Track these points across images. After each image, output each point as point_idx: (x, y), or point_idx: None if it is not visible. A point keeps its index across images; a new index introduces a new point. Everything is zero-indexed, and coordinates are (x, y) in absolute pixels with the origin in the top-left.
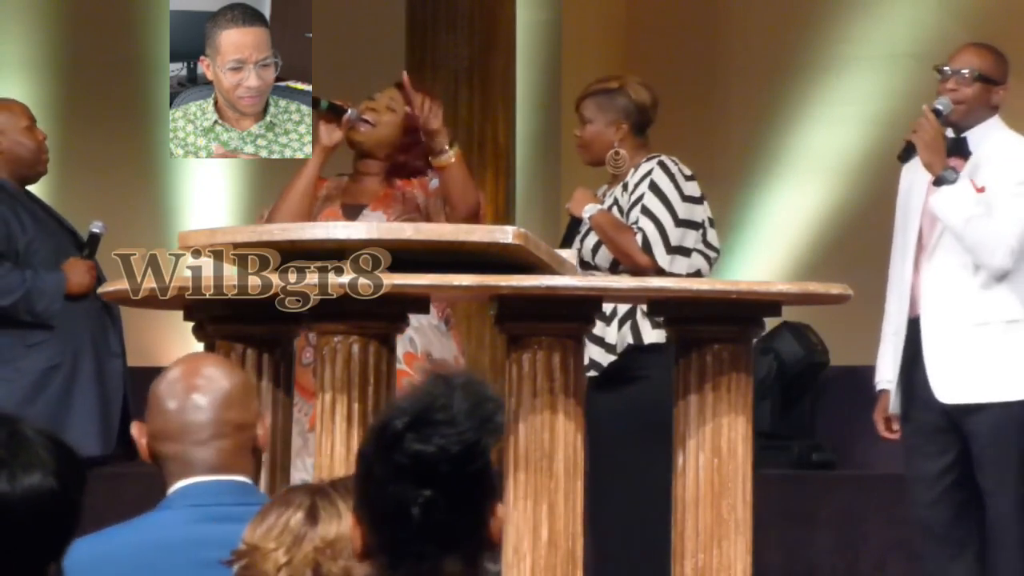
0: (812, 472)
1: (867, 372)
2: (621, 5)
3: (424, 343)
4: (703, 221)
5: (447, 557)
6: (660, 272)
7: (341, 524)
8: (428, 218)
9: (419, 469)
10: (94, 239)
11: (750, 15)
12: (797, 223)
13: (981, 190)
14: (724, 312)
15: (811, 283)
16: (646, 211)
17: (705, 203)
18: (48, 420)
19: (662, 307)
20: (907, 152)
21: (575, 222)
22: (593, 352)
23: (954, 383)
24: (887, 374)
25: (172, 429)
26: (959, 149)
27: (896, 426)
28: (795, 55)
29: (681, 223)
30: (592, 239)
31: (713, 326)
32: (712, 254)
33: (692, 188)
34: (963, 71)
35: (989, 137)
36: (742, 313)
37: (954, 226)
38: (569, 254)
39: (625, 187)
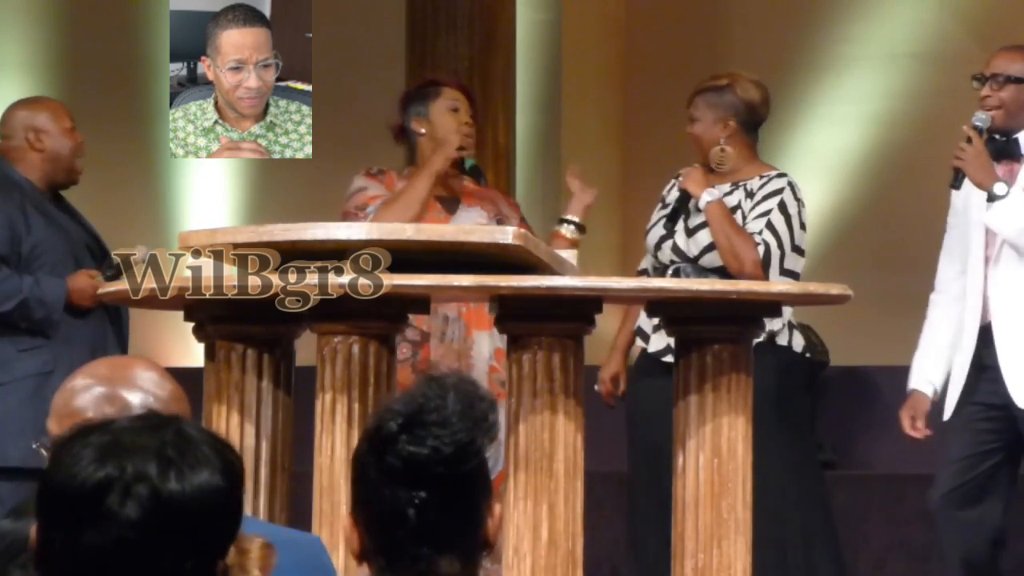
0: None
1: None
2: (621, 5)
3: None
4: (805, 249)
5: (443, 558)
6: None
7: None
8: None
9: (413, 471)
10: (126, 263)
11: (750, 15)
12: None
13: None
14: (724, 312)
15: (811, 283)
16: (771, 228)
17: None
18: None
19: (662, 307)
20: (957, 178)
21: (684, 199)
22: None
23: None
24: (925, 375)
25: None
26: (1010, 152)
27: (921, 423)
28: (795, 55)
29: (795, 249)
30: (704, 236)
31: (713, 326)
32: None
33: (806, 216)
34: (995, 76)
35: None
36: (742, 313)
37: (1009, 238)
38: (569, 254)
39: (749, 194)
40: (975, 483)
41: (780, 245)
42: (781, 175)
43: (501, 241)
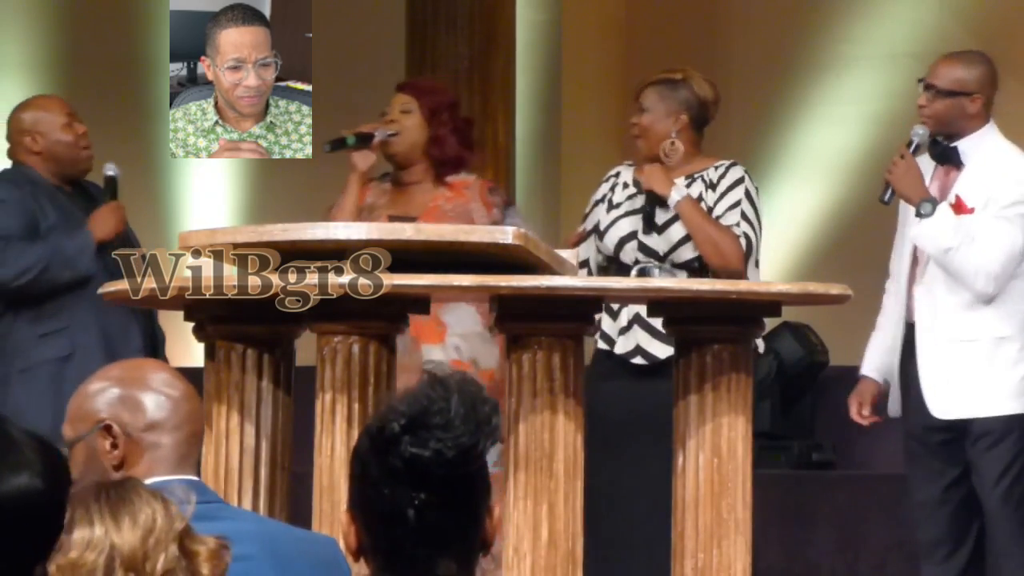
0: (812, 472)
1: None
2: (621, 5)
3: (470, 350)
4: None
5: (441, 559)
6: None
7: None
8: None
9: (415, 472)
10: (111, 182)
11: (750, 15)
12: (797, 223)
13: (971, 211)
14: (724, 312)
15: (811, 283)
16: (746, 218)
17: None
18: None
19: (662, 307)
20: (887, 192)
21: (653, 200)
22: (648, 343)
23: (945, 398)
24: (874, 362)
25: (163, 421)
26: (950, 159)
27: (867, 411)
28: (795, 55)
29: (760, 238)
30: (677, 230)
31: (713, 326)
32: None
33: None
34: (933, 85)
35: (981, 147)
36: (742, 313)
37: (935, 258)
38: (569, 254)
39: (711, 185)
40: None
41: (757, 236)
42: (734, 164)
43: (501, 241)
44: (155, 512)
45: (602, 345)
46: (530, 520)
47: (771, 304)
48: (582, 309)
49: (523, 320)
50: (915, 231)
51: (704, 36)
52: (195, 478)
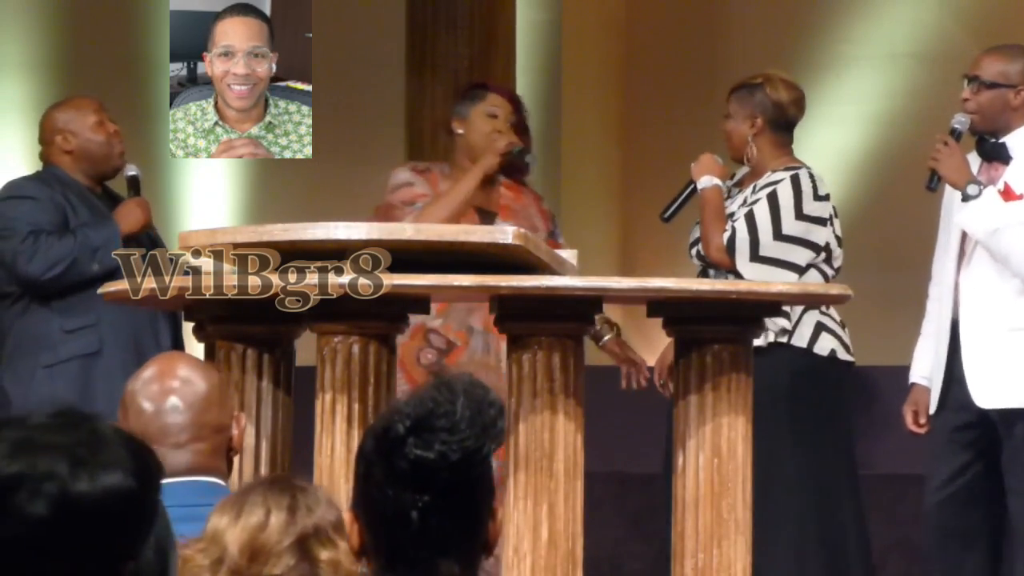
0: None
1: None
2: (621, 5)
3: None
4: (827, 244)
5: (443, 561)
6: (738, 277)
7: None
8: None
9: (419, 474)
10: (134, 182)
11: (750, 15)
12: None
13: (1019, 197)
14: (724, 312)
15: (811, 283)
16: (749, 217)
17: (832, 225)
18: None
19: (662, 307)
20: (932, 179)
21: (687, 186)
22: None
23: (990, 387)
24: (923, 370)
25: (150, 432)
26: (999, 154)
27: (923, 420)
28: (795, 55)
29: (786, 238)
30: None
31: (713, 326)
32: (831, 273)
33: (818, 208)
34: (974, 79)
35: None
36: (742, 313)
37: (980, 240)
38: (569, 254)
39: (754, 187)
40: (959, 499)
41: (753, 234)
42: (790, 168)
43: (501, 241)
44: (270, 514)
45: None
46: (530, 520)
47: (771, 304)
48: (582, 309)
49: (523, 320)
50: (961, 215)
51: (704, 36)
52: (219, 481)
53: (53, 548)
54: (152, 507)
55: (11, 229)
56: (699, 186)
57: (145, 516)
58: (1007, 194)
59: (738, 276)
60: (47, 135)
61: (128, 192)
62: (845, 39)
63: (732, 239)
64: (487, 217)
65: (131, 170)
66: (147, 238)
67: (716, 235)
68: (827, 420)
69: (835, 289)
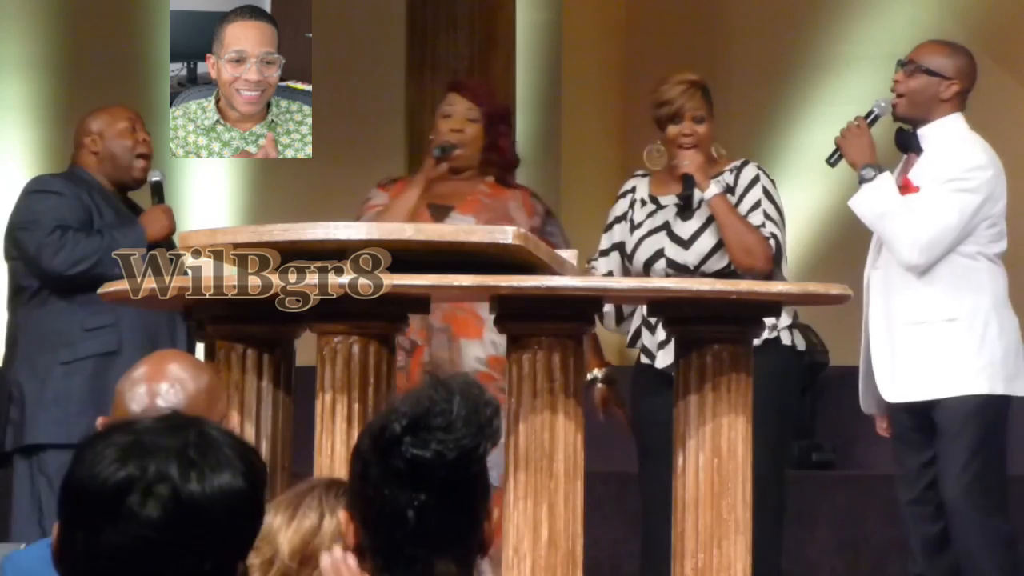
0: (812, 472)
1: None
2: (621, 5)
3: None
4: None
5: (440, 560)
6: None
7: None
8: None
9: (415, 473)
10: (158, 187)
11: (750, 15)
12: (797, 223)
13: (916, 190)
14: (724, 312)
15: (811, 283)
16: (771, 218)
17: None
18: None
19: (662, 307)
20: (833, 155)
21: (690, 185)
22: None
23: (895, 382)
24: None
25: None
26: (909, 144)
27: (885, 424)
28: (795, 55)
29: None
30: (706, 241)
31: (713, 326)
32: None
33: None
34: (910, 63)
35: (942, 133)
36: (742, 313)
37: (869, 223)
38: (569, 254)
39: (730, 189)
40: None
41: (783, 234)
42: (746, 162)
43: (501, 241)
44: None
45: (643, 360)
46: (530, 520)
47: (771, 304)
48: (582, 309)
49: (523, 320)
50: (853, 198)
51: (704, 36)
52: None
53: (168, 550)
54: (260, 506)
55: (36, 222)
56: (712, 191)
57: (254, 515)
58: (905, 187)
59: (759, 278)
60: (79, 136)
61: (152, 198)
62: (845, 39)
63: (779, 248)
64: (439, 211)
65: (156, 175)
66: (169, 245)
67: (762, 245)
68: (800, 416)
69: (835, 289)
